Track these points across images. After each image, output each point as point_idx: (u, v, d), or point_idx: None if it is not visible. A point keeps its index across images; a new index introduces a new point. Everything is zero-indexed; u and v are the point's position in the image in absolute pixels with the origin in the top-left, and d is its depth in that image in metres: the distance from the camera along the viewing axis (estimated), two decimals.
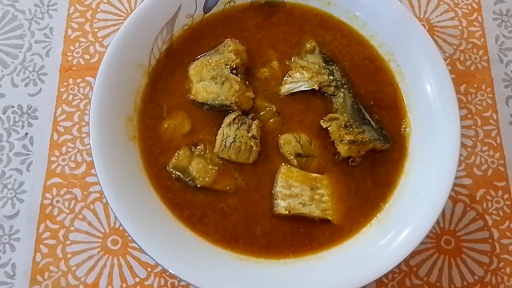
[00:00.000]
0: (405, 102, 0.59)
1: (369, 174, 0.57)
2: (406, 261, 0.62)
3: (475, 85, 0.70)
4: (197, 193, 0.56)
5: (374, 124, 0.57)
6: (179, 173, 0.56)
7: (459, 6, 0.74)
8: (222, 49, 0.59)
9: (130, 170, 0.55)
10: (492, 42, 0.72)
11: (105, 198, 0.51)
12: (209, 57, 0.59)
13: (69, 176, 0.64)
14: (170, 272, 0.50)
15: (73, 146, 0.65)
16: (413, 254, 0.62)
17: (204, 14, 0.62)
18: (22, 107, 0.67)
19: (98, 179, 0.51)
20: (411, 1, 0.73)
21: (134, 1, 0.72)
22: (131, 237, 0.50)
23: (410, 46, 0.58)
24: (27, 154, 0.65)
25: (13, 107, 0.67)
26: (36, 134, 0.66)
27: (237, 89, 0.56)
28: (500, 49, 0.72)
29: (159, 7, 0.58)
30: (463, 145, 0.67)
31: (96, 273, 0.60)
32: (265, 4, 0.63)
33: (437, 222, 0.63)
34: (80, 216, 0.62)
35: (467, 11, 0.74)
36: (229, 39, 0.60)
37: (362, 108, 0.58)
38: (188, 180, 0.56)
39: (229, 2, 0.62)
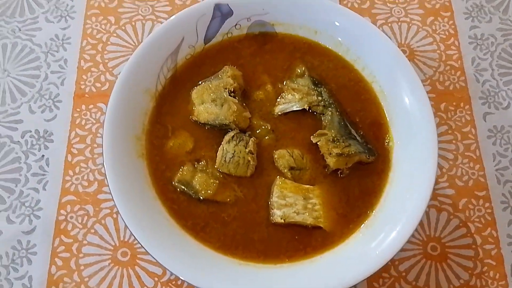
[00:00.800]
0: (387, 118, 0.65)
1: (357, 184, 0.62)
2: (395, 266, 0.66)
3: (454, 103, 0.75)
4: (200, 205, 0.61)
5: (359, 139, 0.63)
6: (183, 187, 0.61)
7: (437, 32, 0.81)
8: (221, 75, 0.66)
9: (139, 184, 0.60)
10: (468, 64, 0.78)
11: (117, 210, 0.57)
12: (209, 82, 0.66)
13: (82, 194, 0.69)
14: (177, 276, 0.55)
15: (86, 166, 0.71)
16: (402, 260, 0.66)
17: (205, 45, 0.68)
18: (39, 132, 0.73)
19: (111, 193, 0.57)
20: (392, 29, 0.80)
21: (141, 34, 0.79)
22: (141, 245, 0.55)
23: (390, 68, 0.65)
24: (43, 174, 0.70)
25: (31, 131, 0.73)
26: (51, 156, 0.71)
27: (235, 110, 0.63)
28: (476, 69, 0.78)
29: (164, 40, 0.65)
30: (445, 158, 0.72)
31: (107, 283, 0.65)
32: (259, 35, 0.70)
33: (423, 229, 0.68)
34: (92, 231, 0.67)
35: (444, 36, 0.80)
36: (227, 66, 0.66)
37: (348, 124, 0.64)
38: (191, 193, 0.61)
39: (227, 33, 0.69)
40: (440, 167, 0.71)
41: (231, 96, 0.64)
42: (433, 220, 0.69)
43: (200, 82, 0.67)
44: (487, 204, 0.70)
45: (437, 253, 0.67)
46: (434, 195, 0.70)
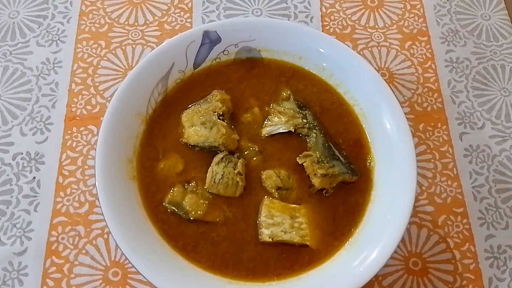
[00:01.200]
0: (369, 139, 0.69)
1: (341, 203, 0.65)
2: (379, 281, 0.69)
3: (432, 124, 0.79)
4: (190, 225, 0.63)
5: (343, 160, 0.66)
6: (174, 208, 0.63)
7: (415, 56, 0.85)
8: (210, 99, 0.68)
9: (130, 206, 0.62)
10: (445, 86, 0.83)
11: (108, 230, 0.58)
12: (199, 105, 0.68)
13: (73, 215, 0.70)
14: None
15: (77, 187, 0.72)
16: (385, 275, 0.69)
17: (194, 69, 0.71)
18: (30, 154, 0.74)
19: (103, 214, 0.58)
20: (373, 53, 0.84)
21: (131, 58, 0.81)
22: (132, 265, 0.56)
23: (370, 92, 0.68)
24: (35, 196, 0.71)
25: (22, 154, 0.74)
26: (43, 177, 0.72)
27: (224, 133, 0.65)
28: (452, 91, 0.82)
29: (155, 65, 0.67)
30: (424, 176, 0.75)
31: None
32: (246, 60, 0.73)
33: (405, 245, 0.71)
34: (84, 251, 0.68)
35: (422, 60, 0.85)
36: (216, 90, 0.69)
37: (332, 146, 0.67)
38: (182, 214, 0.63)
39: (215, 59, 0.72)
40: (420, 185, 0.74)
41: (220, 119, 0.66)
42: (414, 236, 0.72)
43: (190, 106, 0.69)
44: (465, 220, 0.73)
45: (419, 268, 0.70)
46: (415, 212, 0.73)
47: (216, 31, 0.70)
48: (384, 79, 0.68)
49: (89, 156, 0.74)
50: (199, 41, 0.69)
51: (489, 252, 0.71)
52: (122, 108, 0.64)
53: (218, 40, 0.70)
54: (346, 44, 0.83)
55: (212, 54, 0.71)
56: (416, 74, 0.83)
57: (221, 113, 0.67)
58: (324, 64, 0.71)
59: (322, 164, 0.64)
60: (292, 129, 0.68)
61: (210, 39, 0.70)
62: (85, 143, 0.75)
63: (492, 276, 0.69)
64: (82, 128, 0.76)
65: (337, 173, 0.64)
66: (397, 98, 0.67)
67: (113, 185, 0.61)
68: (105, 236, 0.69)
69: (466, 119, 0.80)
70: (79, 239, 0.69)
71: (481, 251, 0.71)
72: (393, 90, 0.80)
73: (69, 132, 0.75)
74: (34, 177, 0.73)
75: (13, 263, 0.67)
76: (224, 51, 0.72)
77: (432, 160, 0.77)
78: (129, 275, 0.67)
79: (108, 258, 0.68)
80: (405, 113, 0.78)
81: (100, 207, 0.59)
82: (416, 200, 0.72)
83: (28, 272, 0.67)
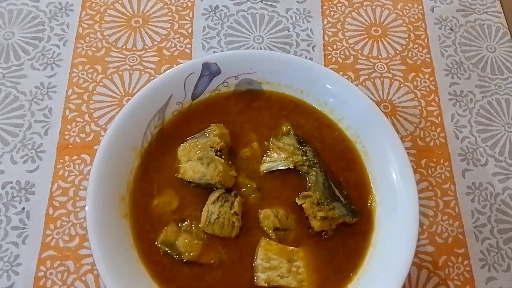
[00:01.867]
0: (370, 179, 0.67)
1: (341, 246, 0.63)
2: None
3: (434, 160, 0.77)
4: (184, 267, 0.60)
5: (343, 200, 0.64)
6: (166, 248, 0.61)
7: (418, 88, 0.83)
8: (208, 133, 0.66)
9: (121, 246, 0.59)
10: (448, 120, 0.81)
11: (97, 272, 0.56)
12: (196, 139, 0.66)
13: (63, 249, 0.68)
14: None
15: (68, 220, 0.69)
16: None
17: (192, 101, 0.69)
18: (20, 183, 0.72)
19: (92, 255, 0.56)
20: (375, 84, 0.82)
21: (128, 84, 0.79)
22: None
23: (373, 130, 0.66)
24: (24, 228, 0.69)
25: (12, 182, 0.72)
26: (32, 208, 0.70)
27: (221, 170, 0.63)
28: (456, 126, 0.81)
29: (152, 97, 0.65)
30: (425, 215, 0.73)
31: None
32: (246, 92, 0.71)
33: (403, 284, 0.69)
34: None
35: (425, 93, 0.83)
36: (214, 124, 0.67)
37: (332, 185, 0.65)
38: (175, 255, 0.60)
39: (214, 90, 0.70)
40: (421, 224, 0.72)
41: (217, 155, 0.64)
42: (414, 278, 0.70)
43: (187, 139, 0.67)
44: (465, 262, 0.71)
45: None
46: (415, 252, 0.70)
47: (216, 63, 0.68)
48: (386, 113, 0.67)
49: (81, 187, 0.72)
50: (198, 72, 0.67)
51: None
52: (117, 143, 0.62)
53: (217, 72, 0.68)
54: (348, 75, 0.82)
55: (211, 85, 0.69)
56: (419, 107, 0.81)
57: (218, 148, 0.65)
58: (326, 99, 0.69)
59: (322, 206, 0.62)
60: (291, 166, 0.66)
61: (209, 71, 0.68)
62: (78, 173, 0.73)
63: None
64: (75, 157, 0.73)
65: (337, 215, 0.62)
66: (399, 135, 0.66)
67: (105, 224, 0.58)
68: (95, 272, 0.67)
69: (469, 155, 0.78)
70: (68, 274, 0.67)
71: None
72: (395, 124, 0.79)
73: (61, 161, 0.73)
74: (23, 208, 0.70)
75: None
76: (223, 83, 0.70)
77: (434, 198, 0.75)
78: None
79: None
80: (407, 148, 0.77)
81: (90, 248, 0.56)
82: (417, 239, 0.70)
83: None
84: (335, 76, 0.68)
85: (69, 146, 0.74)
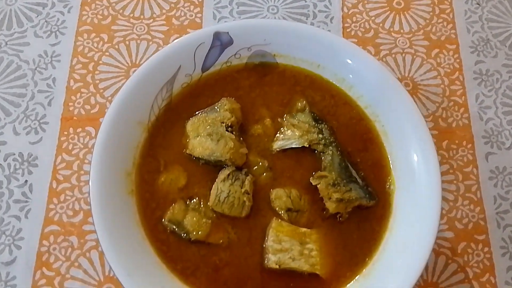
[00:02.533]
0: (390, 160, 0.63)
1: (356, 230, 0.60)
2: None
3: (457, 142, 0.73)
4: (191, 246, 0.58)
5: (360, 182, 0.60)
6: (174, 227, 0.58)
7: (441, 66, 0.78)
8: (218, 107, 0.62)
9: (127, 223, 0.57)
10: (472, 101, 0.76)
11: (101, 249, 0.54)
12: (206, 114, 0.62)
13: (67, 224, 0.66)
14: None
15: (72, 194, 0.67)
16: None
17: (202, 73, 0.65)
18: (23, 155, 0.69)
19: (96, 232, 0.54)
20: (396, 60, 0.78)
21: (135, 55, 0.75)
22: None
23: (394, 109, 0.62)
24: (26, 201, 0.67)
25: (14, 154, 0.69)
26: (35, 181, 0.68)
27: (232, 147, 0.60)
28: (480, 107, 0.76)
29: (160, 67, 0.61)
30: (445, 199, 0.70)
31: None
32: (259, 65, 0.67)
33: (421, 274, 0.66)
34: (76, 264, 0.64)
35: (449, 70, 0.78)
36: (225, 98, 0.63)
37: (349, 165, 0.61)
38: (182, 234, 0.58)
39: (225, 62, 0.66)
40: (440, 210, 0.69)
41: (228, 131, 0.61)
42: (431, 264, 0.67)
43: (196, 114, 0.63)
44: (486, 249, 0.68)
45: None
46: None
47: (228, 33, 0.63)
48: (407, 90, 0.63)
49: (86, 161, 0.69)
50: (209, 43, 0.63)
51: (510, 284, 0.66)
52: (122, 116, 0.59)
53: (229, 42, 0.64)
54: (368, 50, 0.78)
55: (223, 57, 0.65)
56: (442, 86, 0.77)
57: (229, 124, 0.61)
58: (345, 74, 0.65)
59: (338, 188, 0.58)
60: (306, 144, 0.62)
61: (221, 41, 0.64)
62: (82, 146, 0.70)
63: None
64: (80, 129, 0.71)
65: (353, 198, 0.58)
66: (423, 116, 0.61)
67: (109, 201, 0.56)
68: (100, 248, 0.64)
69: (493, 138, 0.74)
70: (71, 250, 0.64)
71: (502, 283, 0.66)
72: (416, 102, 0.74)
73: (65, 133, 0.70)
74: (26, 181, 0.68)
75: (1, 273, 0.63)
76: (235, 54, 0.66)
77: (455, 182, 0.71)
78: None
79: (102, 272, 0.64)
80: (428, 128, 0.72)
81: (93, 224, 0.54)
82: None
83: (16, 284, 0.63)
84: (355, 49, 0.63)
85: (74, 118, 0.71)
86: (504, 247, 0.68)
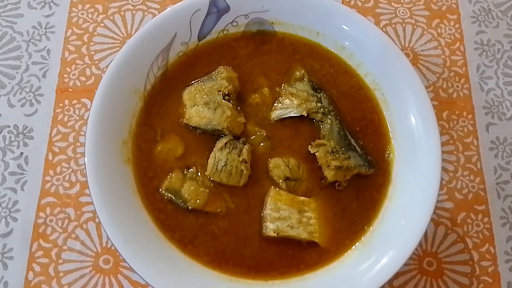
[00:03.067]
0: (389, 129, 0.62)
1: (355, 198, 0.59)
2: (389, 281, 0.63)
3: (457, 112, 0.72)
4: (189, 215, 0.57)
5: (359, 150, 0.60)
6: (171, 196, 0.57)
7: (442, 36, 0.77)
8: (215, 76, 0.61)
9: (123, 192, 0.56)
10: (473, 71, 0.75)
11: (98, 219, 0.53)
12: (202, 83, 0.61)
13: (63, 196, 0.65)
14: None
15: (68, 166, 0.66)
16: (397, 275, 0.64)
17: (199, 42, 0.64)
18: (18, 127, 0.68)
19: (92, 201, 0.53)
20: (396, 31, 0.76)
21: (130, 25, 0.74)
22: (124, 259, 0.52)
23: (394, 76, 0.61)
24: (22, 174, 0.66)
25: (9, 127, 0.68)
26: (31, 154, 0.67)
27: (229, 115, 0.59)
28: (481, 77, 0.75)
29: (155, 35, 0.60)
30: (445, 169, 0.69)
31: None
32: (257, 33, 0.66)
33: (420, 244, 0.65)
34: (73, 236, 0.63)
35: (449, 41, 0.77)
36: (222, 67, 0.62)
37: (348, 134, 0.60)
38: (180, 202, 0.57)
39: (222, 30, 0.65)
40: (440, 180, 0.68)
41: (225, 99, 0.60)
42: (431, 234, 0.66)
43: (192, 83, 0.62)
44: (486, 219, 0.67)
45: (433, 269, 0.65)
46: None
47: None
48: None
49: (82, 132, 0.68)
50: (205, 9, 0.62)
51: (509, 254, 0.66)
52: (117, 83, 0.58)
53: (226, 9, 0.63)
54: (368, 20, 0.76)
55: (219, 25, 0.64)
56: (443, 56, 0.76)
57: (226, 92, 0.60)
58: (345, 42, 0.64)
59: (337, 155, 0.58)
60: (304, 113, 0.61)
61: (217, 8, 0.62)
62: (78, 118, 0.69)
63: (511, 280, 0.64)
64: (75, 101, 0.70)
65: (352, 165, 0.58)
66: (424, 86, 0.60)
67: (105, 169, 0.55)
68: (97, 220, 0.64)
69: (494, 109, 0.73)
70: (68, 222, 0.64)
71: (502, 253, 0.66)
72: (418, 76, 0.73)
73: (61, 105, 0.69)
74: (21, 153, 0.67)
75: None
76: (232, 22, 0.64)
77: (455, 152, 0.70)
78: (121, 263, 0.63)
79: (99, 244, 0.63)
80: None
81: (89, 191, 0.53)
82: None
83: (13, 255, 0.62)
84: (354, 15, 0.62)
85: (69, 89, 0.70)
86: (504, 217, 0.68)
